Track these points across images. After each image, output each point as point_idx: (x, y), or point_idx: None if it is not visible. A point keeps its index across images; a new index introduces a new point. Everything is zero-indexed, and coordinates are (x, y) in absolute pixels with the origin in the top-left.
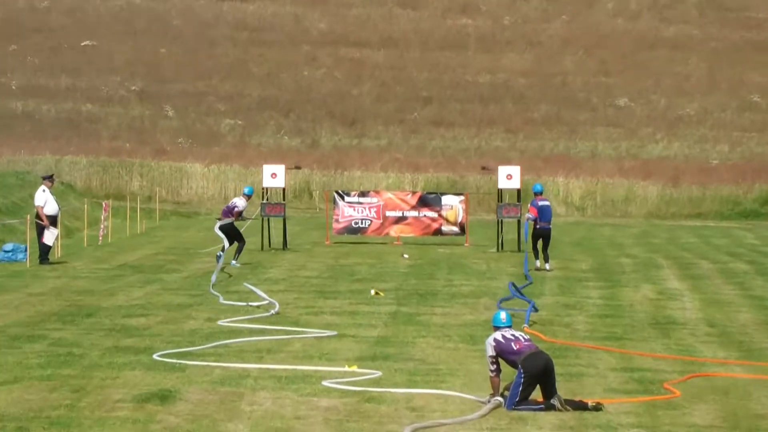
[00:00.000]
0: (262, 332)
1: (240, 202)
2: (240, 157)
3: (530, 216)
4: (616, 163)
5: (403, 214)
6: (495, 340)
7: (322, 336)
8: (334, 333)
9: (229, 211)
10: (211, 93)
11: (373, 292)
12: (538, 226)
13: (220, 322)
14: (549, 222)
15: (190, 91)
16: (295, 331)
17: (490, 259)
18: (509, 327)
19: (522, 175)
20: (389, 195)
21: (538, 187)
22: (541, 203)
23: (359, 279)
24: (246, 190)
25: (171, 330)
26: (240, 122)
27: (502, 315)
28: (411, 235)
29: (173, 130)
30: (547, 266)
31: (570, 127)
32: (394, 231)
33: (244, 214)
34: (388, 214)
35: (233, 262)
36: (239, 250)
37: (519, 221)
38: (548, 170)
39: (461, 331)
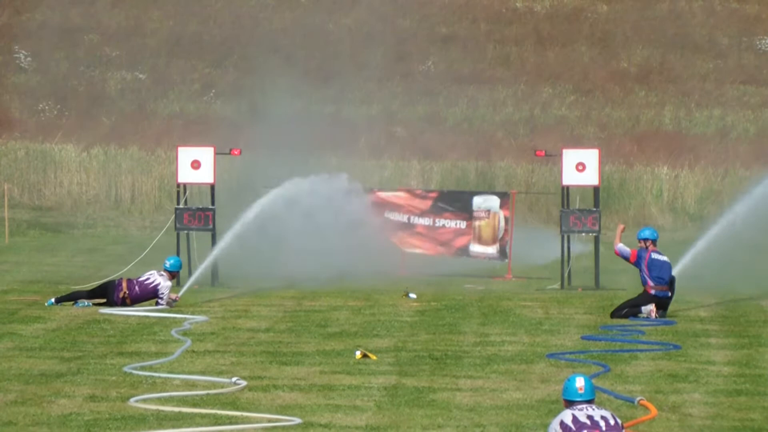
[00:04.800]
0: (178, 419)
1: (164, 283)
2: (141, 133)
3: (622, 249)
4: (757, 144)
5: (409, 219)
6: (562, 425)
7: (278, 425)
8: (297, 420)
9: (151, 295)
10: (94, 28)
11: (359, 353)
12: (653, 291)
13: (132, 401)
14: (667, 284)
15: (58, 25)
16: (232, 418)
17: (550, 300)
18: (589, 402)
19: (601, 163)
20: (386, 195)
21: (648, 233)
22: (655, 256)
23: (336, 332)
24: (170, 264)
25: (30, 416)
26: (141, 76)
27: (579, 383)
28: (419, 251)
29: (31, 90)
30: (653, 314)
31: (682, 84)
32: (396, 241)
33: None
34: (388, 215)
35: (86, 302)
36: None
37: (597, 239)
38: (645, 156)
39: (503, 418)
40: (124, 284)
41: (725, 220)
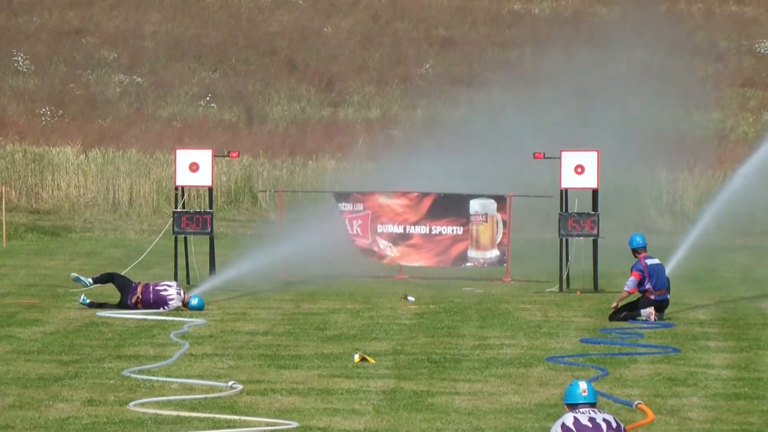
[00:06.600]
0: (176, 423)
1: (177, 298)
2: (139, 136)
3: (630, 284)
4: (756, 147)
5: (405, 229)
6: (563, 427)
7: (275, 429)
8: (295, 424)
9: (161, 303)
10: (92, 31)
11: (357, 357)
12: (653, 297)
13: (131, 405)
14: (667, 289)
15: (55, 28)
16: (230, 422)
17: (549, 303)
18: (591, 405)
19: (600, 166)
20: (383, 200)
21: (639, 241)
22: (650, 262)
23: (334, 336)
24: (195, 302)
25: (28, 420)
26: (139, 79)
27: (582, 386)
28: (419, 263)
29: (29, 93)
30: (652, 317)
31: (681, 87)
32: (393, 254)
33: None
34: (381, 229)
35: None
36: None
37: (595, 242)
38: (644, 158)
39: (501, 422)
40: (140, 289)
41: (704, 218)
